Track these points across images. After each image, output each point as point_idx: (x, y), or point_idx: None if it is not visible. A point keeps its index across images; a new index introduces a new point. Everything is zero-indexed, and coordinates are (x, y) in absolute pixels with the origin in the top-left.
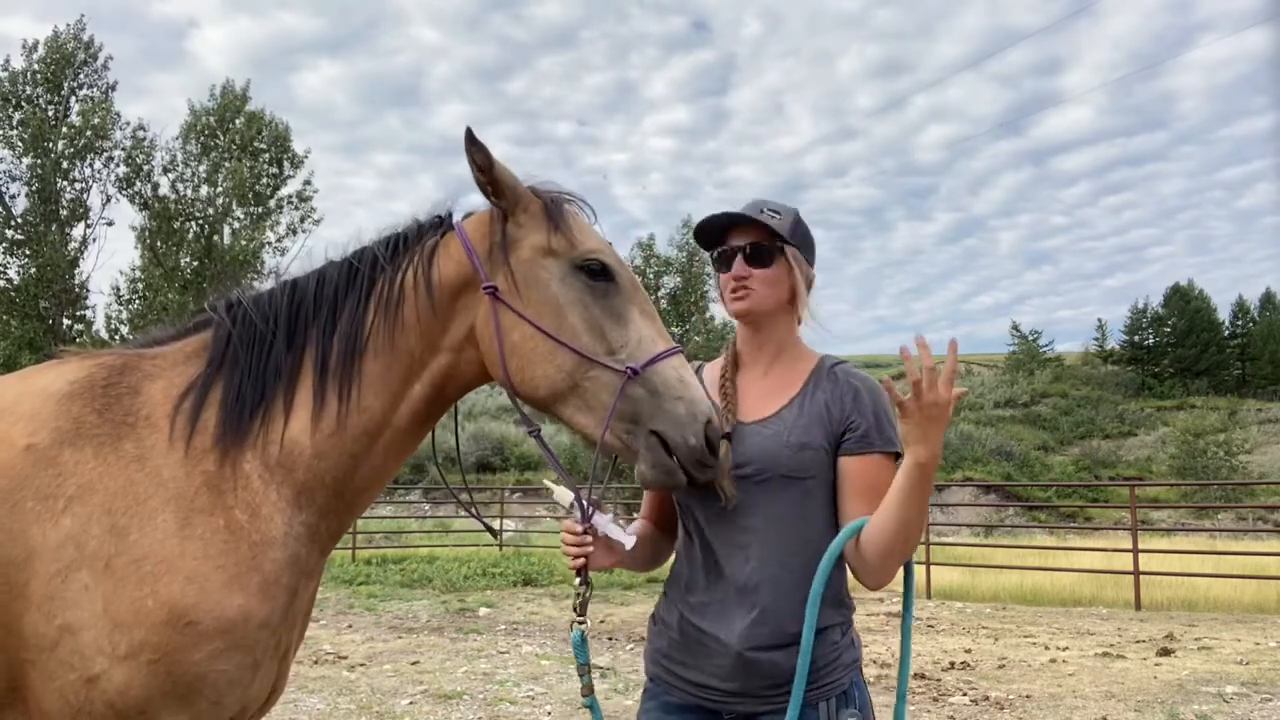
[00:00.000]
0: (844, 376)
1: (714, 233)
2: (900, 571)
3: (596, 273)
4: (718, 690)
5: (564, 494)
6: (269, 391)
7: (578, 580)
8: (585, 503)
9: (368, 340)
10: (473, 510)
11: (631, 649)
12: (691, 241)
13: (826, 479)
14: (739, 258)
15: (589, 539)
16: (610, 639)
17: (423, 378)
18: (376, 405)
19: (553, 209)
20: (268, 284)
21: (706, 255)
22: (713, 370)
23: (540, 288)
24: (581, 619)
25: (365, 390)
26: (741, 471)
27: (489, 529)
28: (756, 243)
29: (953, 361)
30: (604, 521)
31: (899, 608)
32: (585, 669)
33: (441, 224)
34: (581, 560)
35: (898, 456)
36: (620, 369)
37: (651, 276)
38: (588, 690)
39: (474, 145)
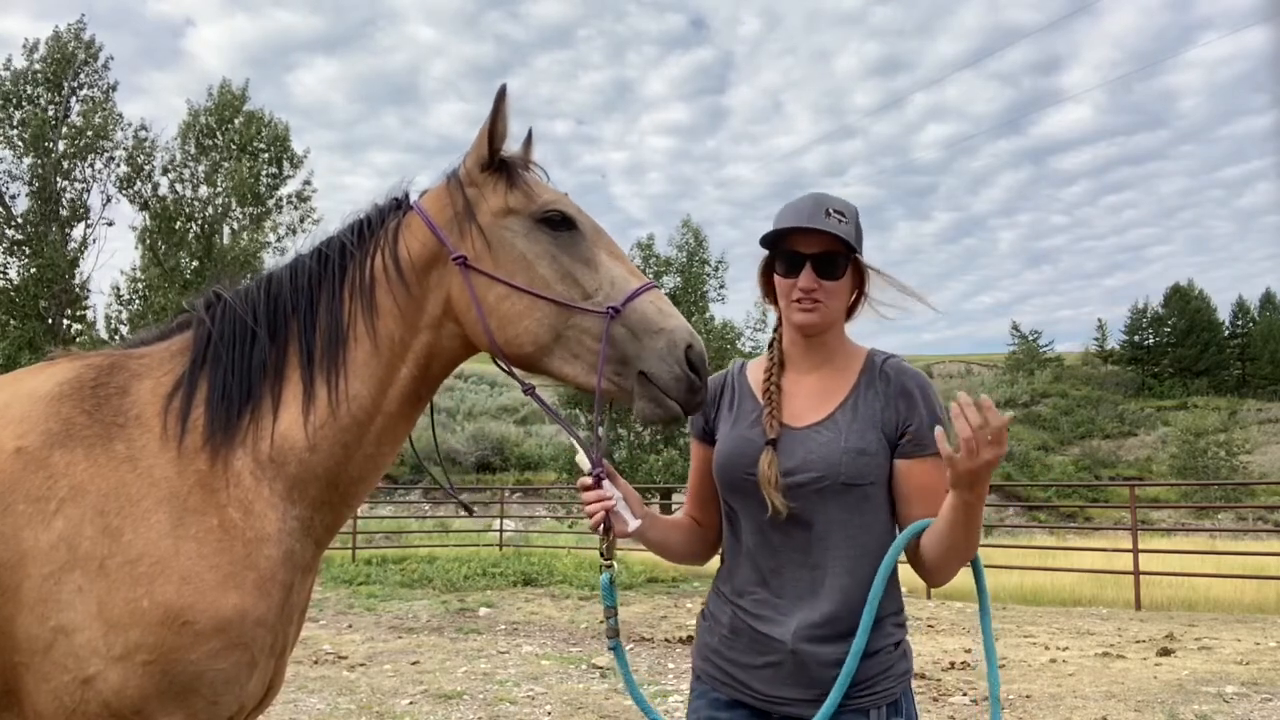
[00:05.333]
0: (896, 375)
1: (775, 233)
2: (970, 571)
3: (558, 223)
4: (769, 691)
5: (584, 459)
6: (256, 388)
7: (601, 528)
8: (594, 452)
9: (348, 328)
10: (449, 486)
11: (631, 648)
12: (691, 241)
13: (885, 482)
14: (808, 267)
15: (604, 490)
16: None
17: (407, 360)
18: (365, 392)
19: (507, 169)
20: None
21: (760, 254)
22: (756, 371)
23: (507, 247)
24: (609, 562)
25: (352, 379)
26: (799, 479)
27: (462, 504)
28: (828, 253)
29: (999, 420)
30: (618, 498)
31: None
32: (612, 611)
33: (400, 205)
34: (602, 513)
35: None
36: (601, 310)
37: (651, 277)
38: (613, 633)
39: (504, 104)
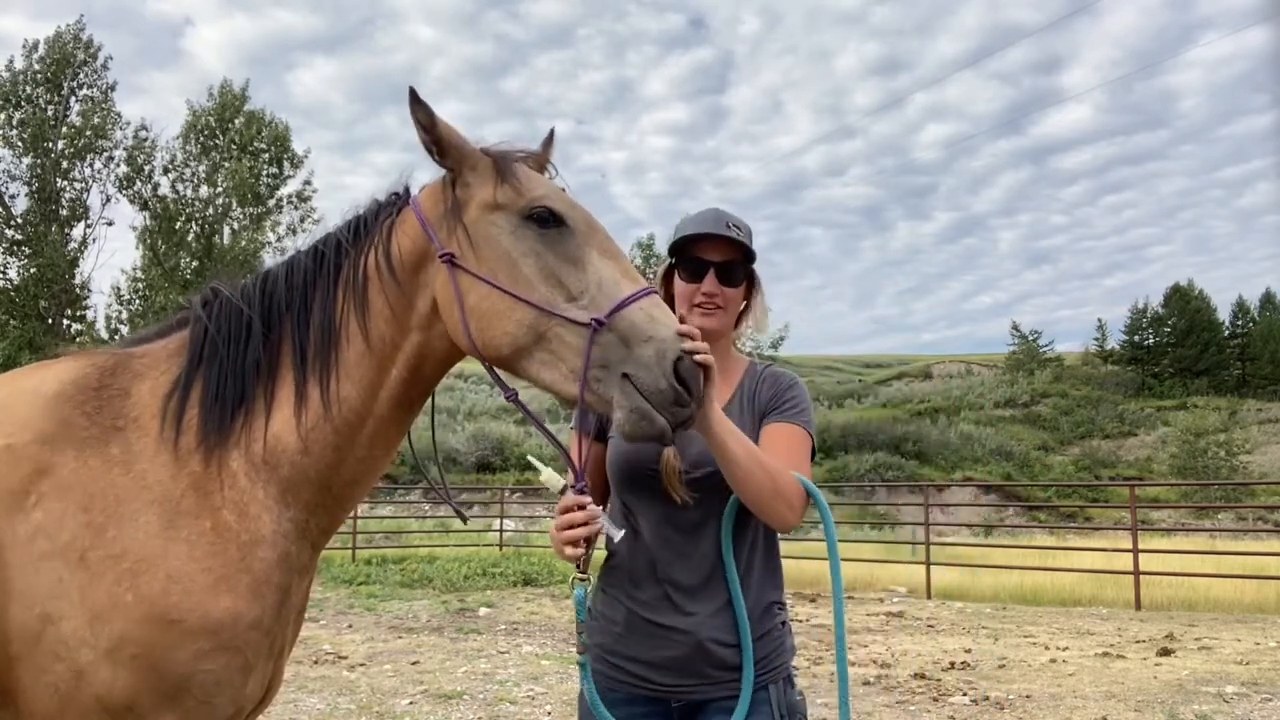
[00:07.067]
0: (769, 376)
1: (681, 240)
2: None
3: (546, 220)
4: (670, 681)
5: (553, 478)
6: (249, 388)
7: (581, 543)
8: (577, 465)
9: (340, 327)
10: (443, 491)
11: None
12: None
13: None
14: (711, 273)
15: (593, 510)
16: None
17: (398, 361)
18: (355, 395)
19: (500, 163)
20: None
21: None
22: None
23: (492, 244)
24: (584, 576)
25: (343, 380)
26: (696, 474)
27: (458, 510)
28: (731, 262)
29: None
30: (602, 517)
31: (899, 608)
32: (584, 626)
33: (397, 201)
34: (586, 538)
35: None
36: (585, 322)
37: (652, 276)
38: (584, 649)
39: (417, 104)
